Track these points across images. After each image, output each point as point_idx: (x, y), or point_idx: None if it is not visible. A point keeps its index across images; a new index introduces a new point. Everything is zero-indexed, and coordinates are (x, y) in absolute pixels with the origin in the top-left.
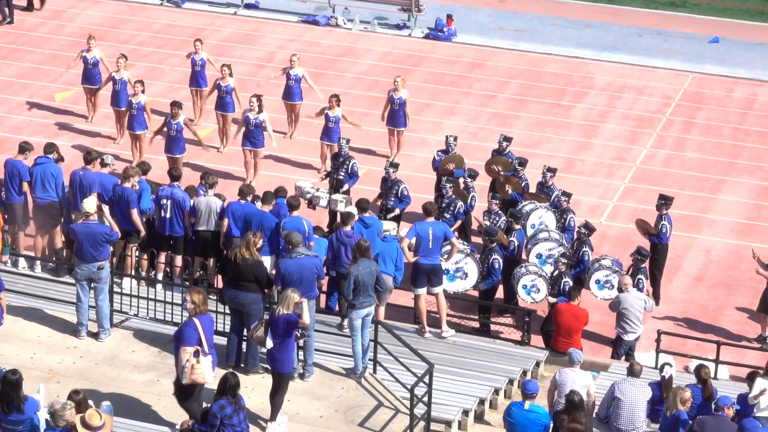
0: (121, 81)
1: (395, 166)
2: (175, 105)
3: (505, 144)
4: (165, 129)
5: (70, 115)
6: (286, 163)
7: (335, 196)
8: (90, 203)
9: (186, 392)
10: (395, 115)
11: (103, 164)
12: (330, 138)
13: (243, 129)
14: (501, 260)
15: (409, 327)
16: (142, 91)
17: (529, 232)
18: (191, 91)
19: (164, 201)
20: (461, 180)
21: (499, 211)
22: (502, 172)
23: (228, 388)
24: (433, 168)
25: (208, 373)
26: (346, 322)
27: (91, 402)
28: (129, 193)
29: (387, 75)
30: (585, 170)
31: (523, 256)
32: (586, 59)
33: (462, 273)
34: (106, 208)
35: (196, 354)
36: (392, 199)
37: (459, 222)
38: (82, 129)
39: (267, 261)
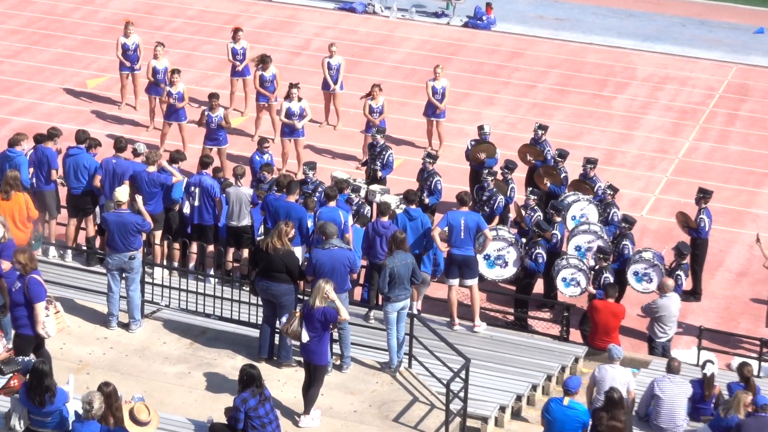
0: (160, 69)
1: (433, 157)
2: (215, 97)
3: (540, 132)
4: (205, 122)
5: (102, 102)
6: (327, 154)
7: (373, 187)
8: (122, 192)
9: (39, 345)
10: (435, 106)
11: (137, 153)
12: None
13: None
14: (545, 255)
15: (445, 321)
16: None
17: (570, 224)
18: (231, 81)
19: (193, 189)
20: (500, 172)
21: (536, 207)
22: (533, 161)
23: (248, 380)
24: (466, 158)
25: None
26: (372, 314)
27: (121, 394)
28: (156, 177)
29: (425, 64)
30: (626, 162)
31: (563, 248)
32: (628, 49)
33: (503, 261)
34: (139, 198)
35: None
36: (425, 191)
37: (497, 218)
38: (115, 116)
39: (298, 251)
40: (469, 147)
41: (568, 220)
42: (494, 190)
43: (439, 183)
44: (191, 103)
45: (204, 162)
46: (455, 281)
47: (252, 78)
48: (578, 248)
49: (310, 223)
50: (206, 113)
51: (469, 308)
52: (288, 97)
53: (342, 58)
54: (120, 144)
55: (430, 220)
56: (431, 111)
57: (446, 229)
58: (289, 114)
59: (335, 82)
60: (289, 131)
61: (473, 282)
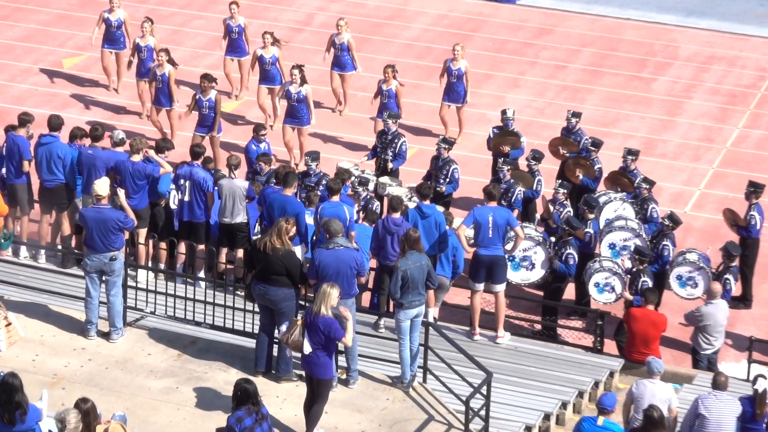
0: (147, 48)
1: (449, 143)
2: (206, 78)
3: (574, 120)
4: (196, 107)
5: (80, 84)
6: (335, 143)
7: (383, 179)
8: (102, 185)
9: None
10: (453, 89)
11: (118, 142)
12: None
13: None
14: (576, 256)
15: (464, 330)
16: (168, 61)
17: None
18: (225, 60)
19: (182, 181)
20: (526, 163)
21: (566, 202)
22: (567, 154)
23: (243, 396)
24: (488, 147)
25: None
26: (382, 322)
27: (100, 411)
28: (141, 168)
29: (442, 42)
30: (667, 153)
31: (597, 248)
32: (670, 25)
33: (529, 263)
34: (121, 192)
35: None
36: (441, 181)
37: (516, 211)
38: (95, 100)
39: (297, 252)
40: (492, 135)
41: (602, 223)
42: (511, 181)
43: (457, 171)
44: (180, 86)
45: (195, 152)
46: (481, 285)
47: (250, 58)
48: (612, 246)
49: (309, 220)
50: (197, 96)
51: (491, 316)
52: (291, 81)
53: (350, 35)
54: (96, 132)
55: (445, 218)
56: (449, 95)
57: (472, 227)
58: (287, 96)
59: (345, 63)
60: (293, 118)
61: (501, 287)
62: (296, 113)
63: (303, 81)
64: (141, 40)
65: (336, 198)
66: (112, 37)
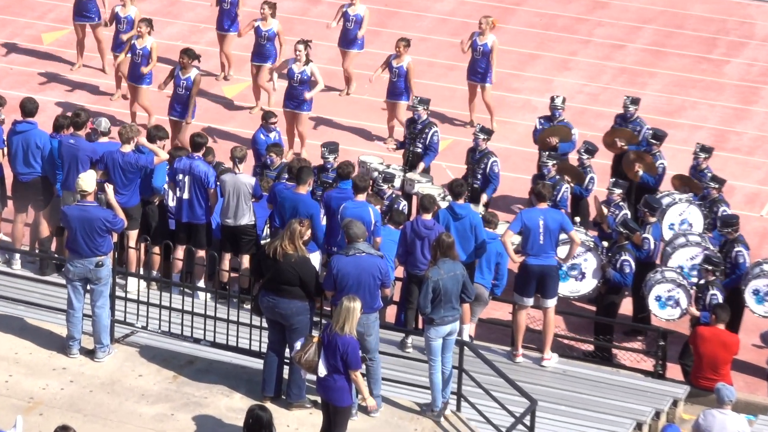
0: (127, 19)
1: (487, 132)
2: (186, 54)
3: (632, 108)
4: (172, 83)
5: (61, 62)
6: (343, 130)
7: (411, 175)
8: (87, 179)
9: None
10: (476, 66)
11: (101, 132)
12: (396, 96)
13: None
14: (633, 263)
15: (504, 351)
16: (149, 33)
17: (667, 234)
18: (218, 36)
19: (180, 177)
20: (577, 157)
21: (622, 203)
22: (625, 147)
23: (256, 425)
24: (534, 140)
25: None
26: (410, 341)
27: None
28: (134, 159)
29: (480, 16)
30: (741, 147)
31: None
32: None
33: (578, 272)
34: (109, 188)
35: None
36: (479, 176)
37: (562, 211)
38: (78, 81)
39: (315, 259)
40: (538, 126)
41: (664, 229)
42: (556, 177)
43: (496, 165)
44: (162, 64)
45: (196, 142)
46: (530, 300)
47: (237, 34)
48: (680, 268)
49: (325, 222)
50: (176, 72)
51: (537, 335)
52: (294, 59)
53: (365, 7)
54: (78, 118)
55: (481, 220)
56: (474, 73)
57: (519, 233)
58: (290, 75)
59: (353, 39)
60: (291, 101)
61: (552, 302)
62: (297, 96)
63: (308, 59)
64: (121, 10)
65: (361, 197)
66: (83, 7)
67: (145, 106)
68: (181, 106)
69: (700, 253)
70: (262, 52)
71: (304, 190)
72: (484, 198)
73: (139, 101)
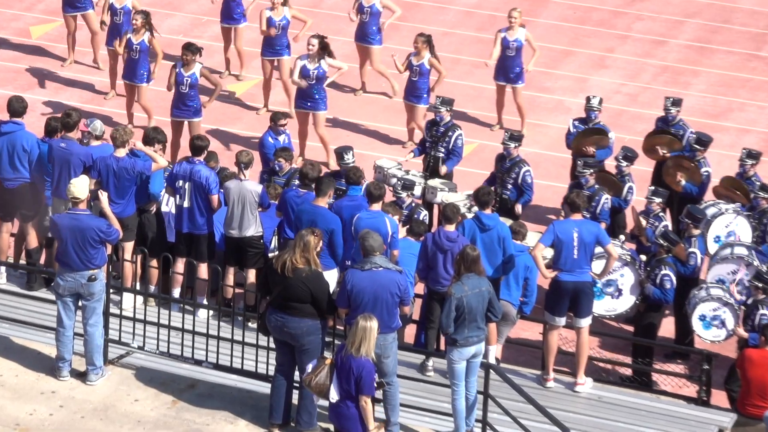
0: (124, 10)
1: (517, 138)
2: (189, 49)
3: (674, 110)
4: (174, 82)
5: (51, 58)
6: (358, 132)
7: (432, 182)
8: (80, 186)
9: None
10: (507, 66)
11: (95, 136)
12: (414, 98)
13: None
14: (674, 278)
15: (534, 375)
16: (145, 26)
17: (712, 247)
18: (222, 29)
19: (181, 183)
20: (615, 164)
21: (662, 214)
22: (667, 154)
23: None
24: (567, 145)
25: None
26: (431, 363)
27: None
28: (130, 164)
29: (509, 9)
30: None
31: (702, 276)
32: None
33: (614, 289)
34: (103, 195)
35: None
36: (509, 186)
37: (603, 224)
38: (69, 78)
39: (331, 276)
40: (572, 129)
41: (710, 243)
42: (595, 187)
43: (529, 175)
44: (167, 61)
45: (196, 146)
46: (562, 320)
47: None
48: (720, 281)
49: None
50: (177, 69)
51: (569, 357)
52: (307, 54)
53: None
54: (69, 119)
55: (510, 233)
56: (502, 74)
57: (551, 246)
58: (304, 74)
59: (369, 33)
60: (305, 100)
61: (587, 321)
62: (313, 95)
63: (323, 54)
64: (117, 1)
65: (377, 206)
66: None
67: (145, 106)
68: (184, 105)
69: (741, 269)
70: (274, 44)
71: (324, 202)
72: (518, 209)
73: (138, 101)
